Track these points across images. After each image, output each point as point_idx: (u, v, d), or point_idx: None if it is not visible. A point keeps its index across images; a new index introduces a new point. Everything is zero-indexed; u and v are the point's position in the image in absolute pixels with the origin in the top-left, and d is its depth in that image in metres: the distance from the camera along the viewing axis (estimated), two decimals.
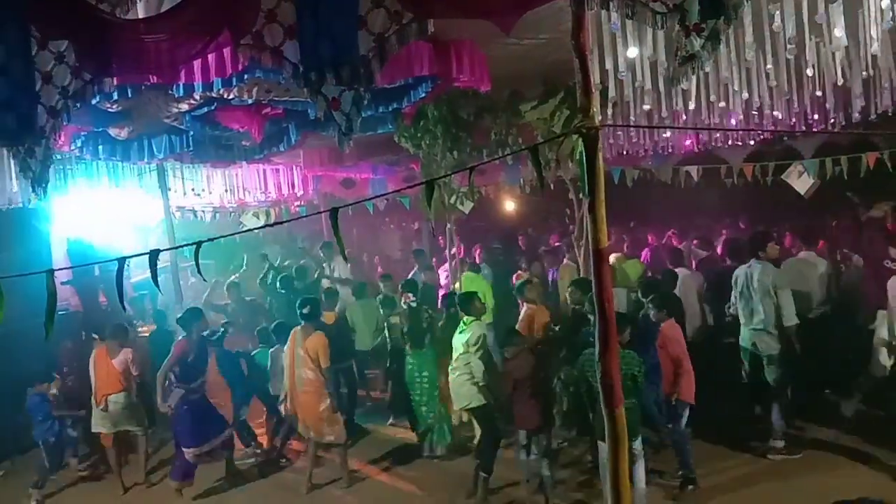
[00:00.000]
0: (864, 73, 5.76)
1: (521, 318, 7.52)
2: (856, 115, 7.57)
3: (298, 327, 6.97)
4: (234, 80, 4.69)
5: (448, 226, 9.54)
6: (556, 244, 11.92)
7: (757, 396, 7.03)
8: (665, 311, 6.21)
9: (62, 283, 9.65)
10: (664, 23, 2.85)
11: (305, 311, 6.92)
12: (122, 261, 3.34)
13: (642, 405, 5.43)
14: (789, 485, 6.04)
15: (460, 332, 6.67)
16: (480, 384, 6.39)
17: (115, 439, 7.43)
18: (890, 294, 6.53)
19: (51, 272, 3.36)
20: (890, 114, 7.18)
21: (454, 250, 9.67)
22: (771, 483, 6.10)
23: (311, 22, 2.94)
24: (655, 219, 14.70)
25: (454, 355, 6.65)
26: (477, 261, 10.84)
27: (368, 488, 6.95)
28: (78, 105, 3.52)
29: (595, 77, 4.53)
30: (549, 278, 10.10)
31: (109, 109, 5.72)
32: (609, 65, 5.08)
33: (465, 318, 6.70)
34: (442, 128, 7.62)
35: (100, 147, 7.08)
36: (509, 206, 14.61)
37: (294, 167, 11.66)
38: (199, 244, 3.30)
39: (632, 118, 6.85)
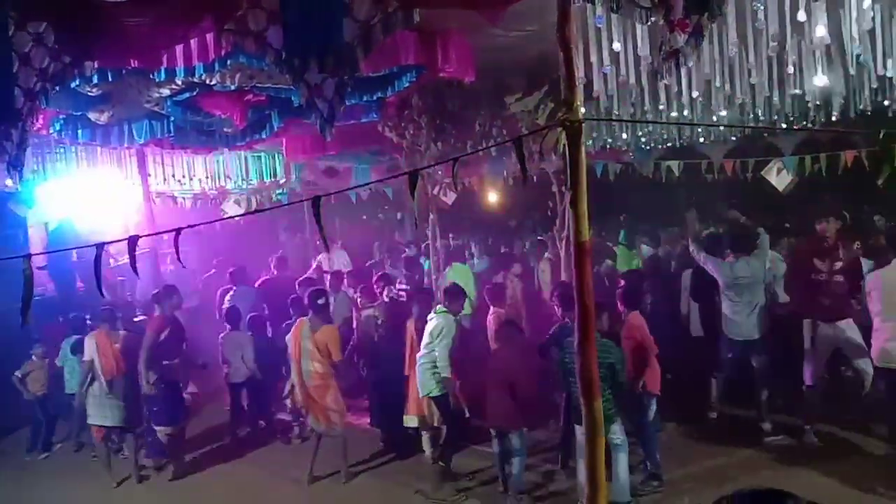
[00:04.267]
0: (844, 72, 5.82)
1: (489, 318, 7.60)
2: (835, 113, 7.66)
3: (305, 318, 6.87)
4: (217, 65, 4.63)
5: (431, 216, 9.53)
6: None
7: (743, 385, 7.23)
8: (630, 304, 6.28)
9: (37, 269, 9.54)
10: (649, 18, 2.86)
11: (320, 301, 6.89)
12: (100, 247, 3.31)
13: (620, 394, 5.49)
14: (761, 478, 6.12)
15: (429, 321, 6.66)
16: (441, 374, 6.38)
17: (106, 433, 7.31)
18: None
19: (28, 257, 3.33)
20: (869, 113, 7.26)
21: (437, 243, 9.66)
22: (746, 478, 6.20)
23: (296, 8, 2.91)
24: (639, 214, 14.79)
25: (422, 345, 6.66)
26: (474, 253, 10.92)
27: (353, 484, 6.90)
28: (56, 88, 3.47)
29: (579, 71, 4.55)
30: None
31: (89, 93, 5.64)
32: (594, 58, 5.08)
33: (438, 307, 6.69)
34: (426, 118, 7.59)
35: (79, 131, 6.96)
36: (493, 198, 14.60)
37: (276, 154, 11.57)
38: (178, 231, 3.28)
39: (615, 112, 6.87)
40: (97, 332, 7.30)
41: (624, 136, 10.02)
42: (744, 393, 7.25)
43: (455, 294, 6.75)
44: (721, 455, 6.69)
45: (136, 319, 8.92)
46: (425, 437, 7.12)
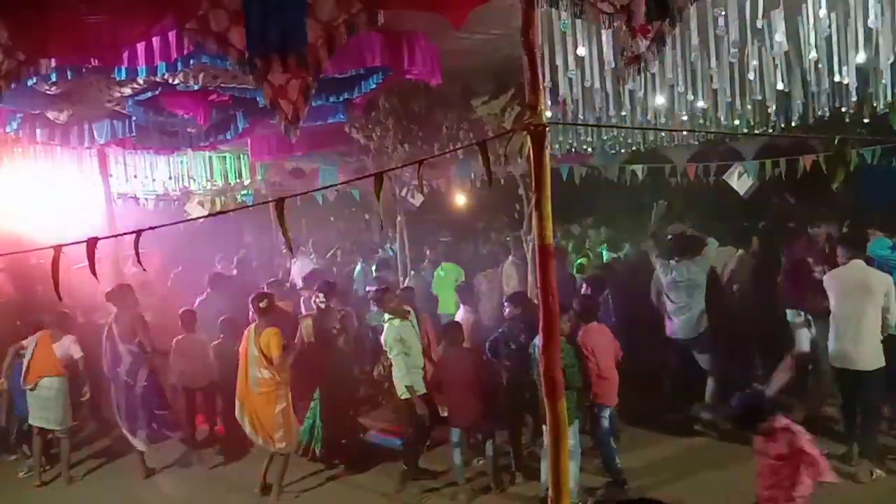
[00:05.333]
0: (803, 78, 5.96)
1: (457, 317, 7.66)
2: (794, 119, 7.83)
3: (252, 325, 6.65)
4: (180, 64, 4.56)
5: (398, 218, 9.52)
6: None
7: (688, 381, 7.47)
8: (586, 314, 6.28)
9: None
10: (611, 23, 2.90)
11: (263, 304, 6.59)
12: (57, 249, 3.23)
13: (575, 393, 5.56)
14: (727, 474, 6.22)
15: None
16: (403, 383, 6.42)
17: (40, 431, 7.21)
18: None
19: None
20: (826, 118, 7.43)
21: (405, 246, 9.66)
22: (708, 472, 6.30)
23: (258, 8, 2.88)
24: (603, 216, 14.98)
25: None
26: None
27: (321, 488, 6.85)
28: (11, 86, 3.38)
29: (544, 75, 4.58)
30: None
31: (47, 91, 5.51)
32: (559, 62, 5.13)
33: (385, 315, 6.71)
34: (393, 120, 7.59)
35: (37, 130, 6.80)
36: (460, 200, 14.64)
37: (241, 155, 11.44)
38: (139, 233, 3.21)
39: (580, 116, 6.93)
40: (40, 334, 7.26)
41: (589, 139, 10.12)
42: (696, 389, 7.43)
43: (381, 294, 6.80)
44: (678, 451, 6.86)
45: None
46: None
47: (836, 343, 6.19)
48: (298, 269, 11.62)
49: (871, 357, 6.00)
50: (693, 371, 7.38)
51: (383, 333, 6.56)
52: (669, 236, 7.99)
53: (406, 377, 6.38)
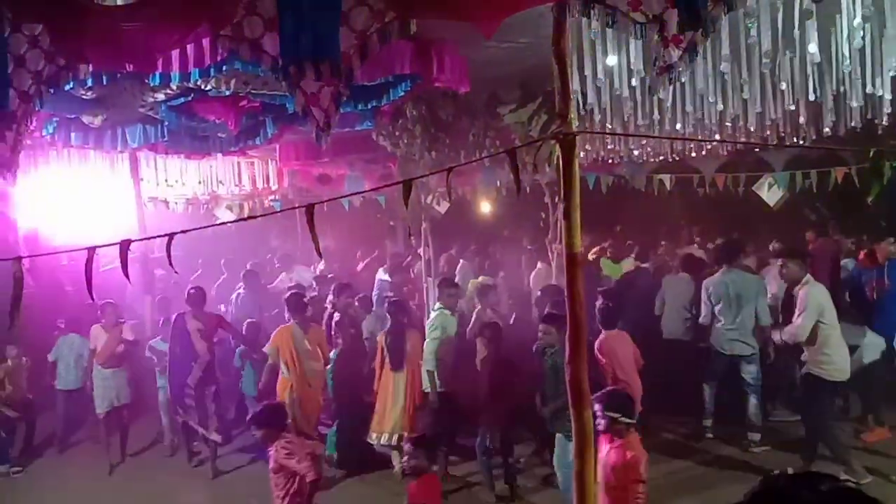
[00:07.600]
0: (835, 89, 5.88)
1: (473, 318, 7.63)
2: (826, 130, 7.72)
3: (292, 323, 6.88)
4: (213, 70, 4.63)
5: (423, 226, 9.53)
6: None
7: (732, 395, 7.33)
8: (606, 321, 6.19)
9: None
10: (643, 33, 2.88)
11: (306, 299, 7.25)
12: (91, 250, 3.29)
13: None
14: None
15: None
16: (425, 367, 6.51)
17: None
18: None
19: (18, 259, 3.31)
20: (858, 130, 7.31)
21: (428, 254, 9.65)
22: (735, 487, 6.21)
23: (292, 16, 2.91)
24: (629, 225, 14.89)
25: None
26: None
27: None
28: (51, 91, 3.47)
29: (574, 84, 4.58)
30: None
31: (83, 96, 5.63)
32: (588, 71, 5.12)
33: (436, 304, 6.82)
34: (420, 127, 7.61)
35: (72, 134, 6.96)
36: (486, 207, 14.65)
37: (269, 161, 11.57)
38: (171, 236, 3.27)
39: (608, 125, 6.90)
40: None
41: (617, 148, 10.06)
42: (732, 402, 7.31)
43: (444, 286, 6.79)
44: (708, 464, 6.78)
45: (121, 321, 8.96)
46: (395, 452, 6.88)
47: (841, 356, 6.20)
48: (297, 278, 11.70)
49: None
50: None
51: (431, 317, 6.76)
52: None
53: (428, 362, 6.50)
